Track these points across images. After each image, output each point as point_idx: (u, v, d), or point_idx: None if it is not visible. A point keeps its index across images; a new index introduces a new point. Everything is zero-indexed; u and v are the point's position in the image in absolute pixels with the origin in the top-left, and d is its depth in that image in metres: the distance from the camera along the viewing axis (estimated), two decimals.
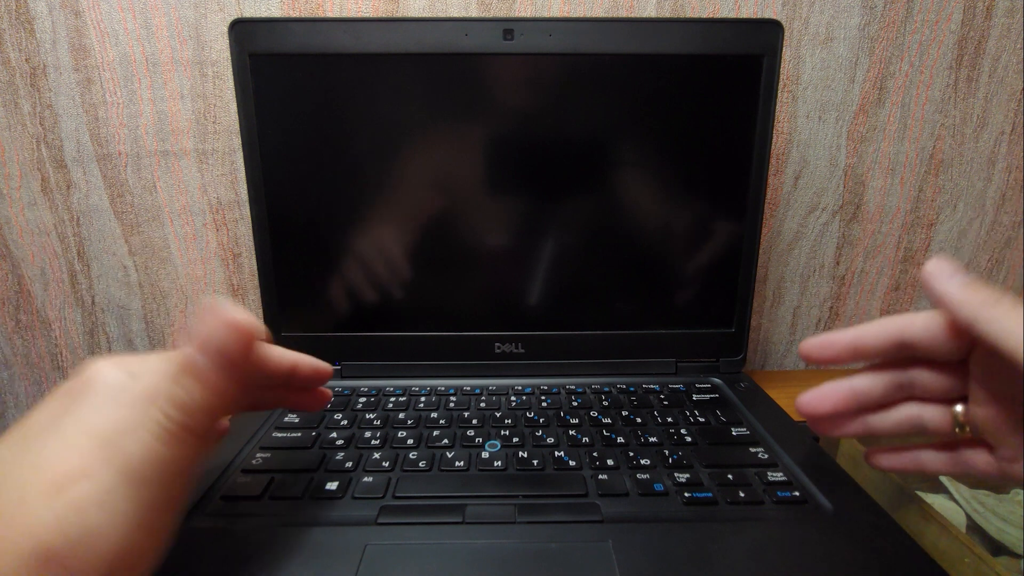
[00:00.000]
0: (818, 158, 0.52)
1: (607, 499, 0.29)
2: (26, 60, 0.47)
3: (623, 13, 0.48)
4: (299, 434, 0.36)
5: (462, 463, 0.33)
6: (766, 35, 0.40)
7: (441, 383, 0.43)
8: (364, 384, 0.43)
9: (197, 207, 0.52)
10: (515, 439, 0.35)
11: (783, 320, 0.57)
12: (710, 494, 0.30)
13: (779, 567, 0.25)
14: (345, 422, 0.37)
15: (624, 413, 0.38)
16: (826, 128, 0.51)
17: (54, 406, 0.19)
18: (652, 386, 0.42)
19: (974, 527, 0.37)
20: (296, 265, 0.43)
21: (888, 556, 0.25)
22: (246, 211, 0.51)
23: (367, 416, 0.38)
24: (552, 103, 0.41)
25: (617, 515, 0.28)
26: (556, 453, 0.34)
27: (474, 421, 0.37)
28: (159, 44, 0.48)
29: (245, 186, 0.42)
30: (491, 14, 0.48)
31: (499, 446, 0.34)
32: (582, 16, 0.48)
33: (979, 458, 0.24)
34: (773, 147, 0.49)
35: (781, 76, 0.44)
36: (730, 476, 0.31)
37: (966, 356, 0.23)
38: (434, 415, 0.38)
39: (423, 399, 0.40)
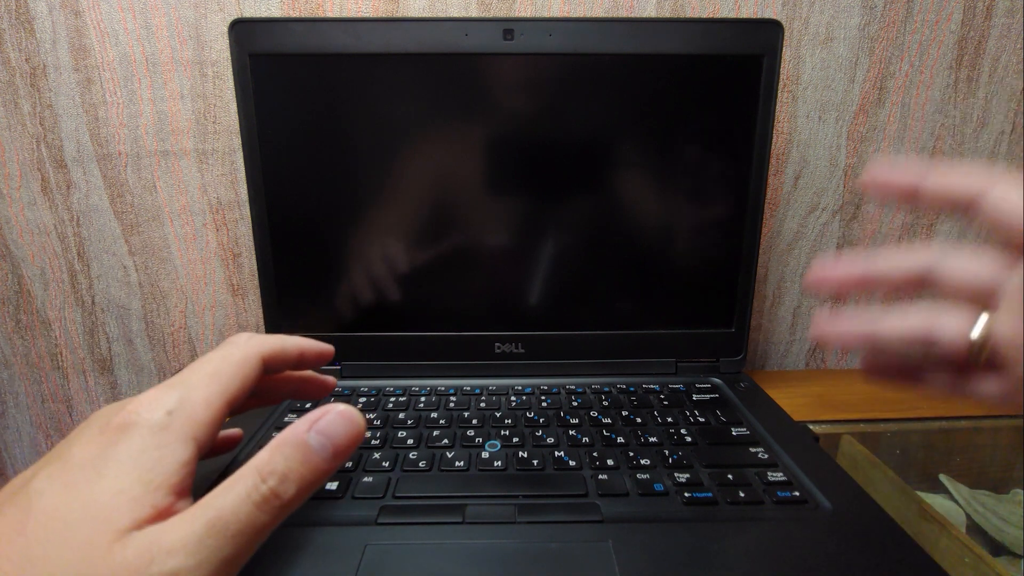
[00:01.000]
0: (818, 158, 0.52)
1: (607, 499, 0.29)
2: (26, 60, 0.47)
3: (623, 13, 0.48)
4: None
5: (462, 463, 0.33)
6: (766, 35, 0.40)
7: (441, 383, 0.43)
8: (364, 384, 0.43)
9: (197, 207, 0.52)
10: (515, 439, 0.35)
11: (783, 320, 0.57)
12: (710, 494, 0.30)
13: (779, 567, 0.25)
14: None
15: (624, 413, 0.38)
16: (826, 128, 0.51)
17: (94, 442, 0.19)
18: (652, 386, 0.42)
19: (974, 527, 0.37)
20: (296, 265, 0.43)
21: (888, 556, 0.25)
22: (246, 211, 0.51)
23: (367, 416, 0.38)
24: (552, 103, 0.41)
25: (617, 515, 0.28)
26: (556, 453, 0.34)
27: (474, 421, 0.37)
28: (159, 44, 0.48)
29: (245, 186, 0.42)
30: (491, 14, 0.48)
31: (499, 446, 0.34)
32: (582, 16, 0.48)
33: (987, 383, 0.21)
34: (773, 147, 0.49)
35: (781, 76, 0.44)
36: (730, 476, 0.31)
37: (994, 295, 0.20)
38: (434, 415, 0.38)
39: (423, 399, 0.40)
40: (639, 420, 0.37)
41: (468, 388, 0.42)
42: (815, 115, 0.51)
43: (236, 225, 0.52)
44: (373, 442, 0.35)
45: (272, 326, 0.44)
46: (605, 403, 0.40)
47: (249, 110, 0.40)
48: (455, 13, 0.48)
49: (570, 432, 0.36)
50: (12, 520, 0.17)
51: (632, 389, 0.42)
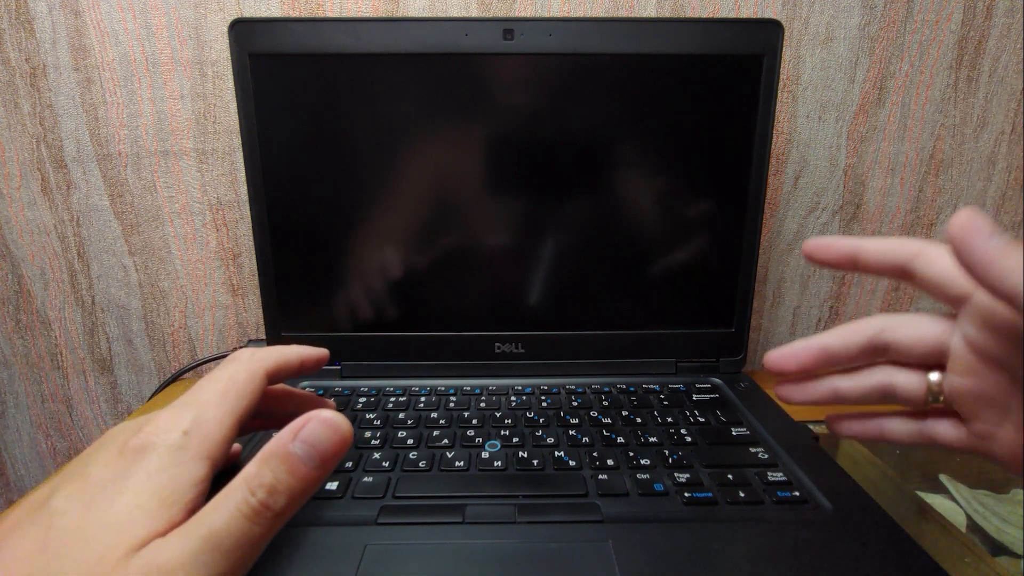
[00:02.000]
0: (818, 158, 0.52)
1: (607, 499, 0.29)
2: (26, 60, 0.47)
3: (623, 13, 0.48)
4: None
5: (462, 463, 0.33)
6: (766, 35, 0.40)
7: (441, 383, 0.43)
8: (364, 384, 0.43)
9: (197, 207, 0.52)
10: (515, 439, 0.35)
11: (783, 320, 0.57)
12: (710, 494, 0.30)
13: (779, 567, 0.25)
14: None
15: (624, 413, 0.38)
16: (826, 128, 0.51)
17: (113, 463, 0.20)
18: (652, 386, 0.42)
19: (974, 527, 0.37)
20: (296, 265, 0.43)
21: (888, 556, 0.25)
22: (246, 211, 0.51)
23: (367, 416, 0.38)
24: (552, 103, 0.41)
25: (617, 515, 0.28)
26: (556, 453, 0.34)
27: (474, 421, 0.37)
28: (159, 44, 0.48)
29: (245, 186, 0.42)
30: (491, 14, 0.48)
31: (499, 446, 0.34)
32: (582, 16, 0.48)
33: (946, 429, 0.23)
34: (773, 147, 0.49)
35: (781, 76, 0.44)
36: (730, 476, 0.31)
37: (945, 351, 0.22)
38: (434, 415, 0.38)
39: (423, 399, 0.40)
40: (639, 420, 0.37)
41: (468, 388, 0.42)
42: (815, 115, 0.51)
43: (236, 225, 0.52)
44: (373, 442, 0.35)
45: (272, 326, 0.44)
46: (605, 403, 0.40)
47: (249, 110, 0.40)
48: (455, 13, 0.48)
49: (570, 432, 0.36)
50: (34, 538, 0.18)
51: (632, 389, 0.42)
